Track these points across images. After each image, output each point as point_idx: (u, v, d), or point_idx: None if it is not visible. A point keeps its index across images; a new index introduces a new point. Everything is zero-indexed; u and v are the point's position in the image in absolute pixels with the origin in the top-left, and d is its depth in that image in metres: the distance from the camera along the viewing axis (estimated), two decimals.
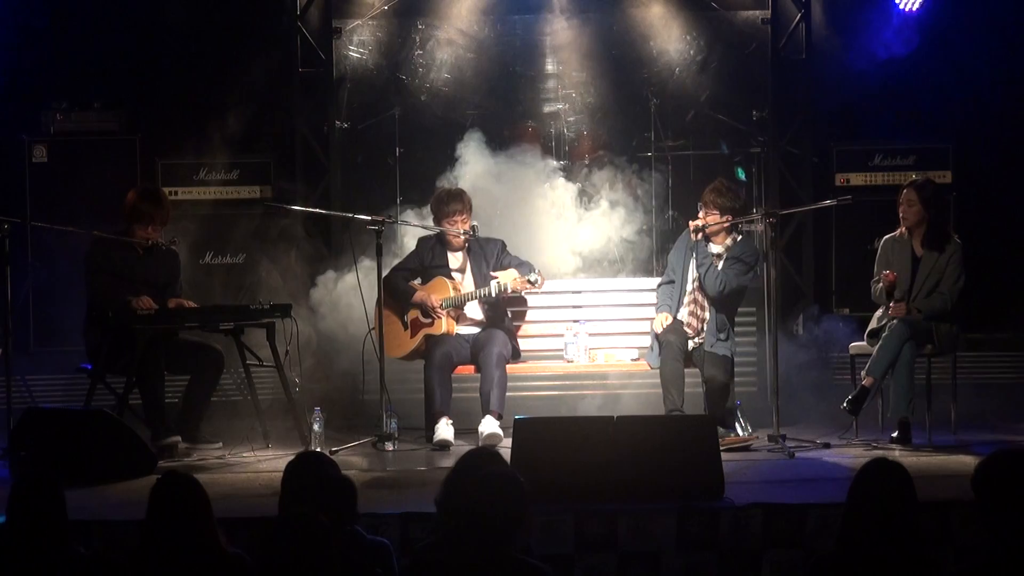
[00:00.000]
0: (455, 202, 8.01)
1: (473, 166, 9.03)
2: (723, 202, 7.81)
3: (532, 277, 7.70)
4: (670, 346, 7.64)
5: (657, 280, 8.20)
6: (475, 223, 8.01)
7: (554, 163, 9.30)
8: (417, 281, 8.11)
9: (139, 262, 7.74)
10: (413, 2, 9.94)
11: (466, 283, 8.04)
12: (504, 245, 8.12)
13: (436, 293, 7.98)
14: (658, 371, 7.75)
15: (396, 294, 8.01)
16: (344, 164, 9.77)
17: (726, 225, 7.83)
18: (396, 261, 8.33)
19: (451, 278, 8.02)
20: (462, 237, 8.00)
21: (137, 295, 7.51)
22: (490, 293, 7.79)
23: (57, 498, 4.43)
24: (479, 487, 4.06)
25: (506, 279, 7.79)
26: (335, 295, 8.58)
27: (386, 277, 7.97)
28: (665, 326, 7.79)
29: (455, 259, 8.11)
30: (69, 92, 9.65)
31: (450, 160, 9.14)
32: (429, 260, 8.10)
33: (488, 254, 8.04)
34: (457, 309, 7.96)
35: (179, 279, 7.97)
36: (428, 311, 7.91)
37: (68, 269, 8.32)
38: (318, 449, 7.48)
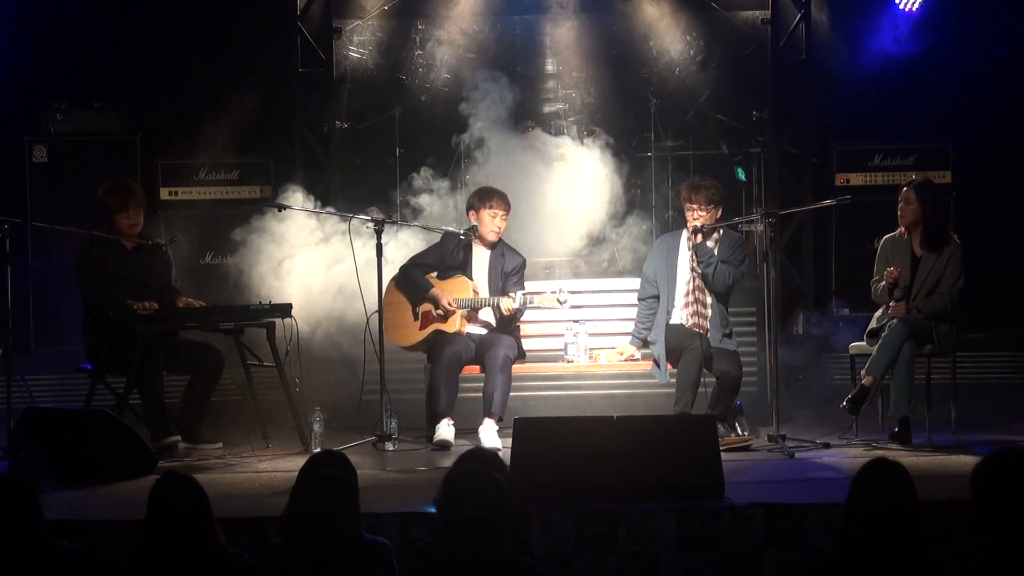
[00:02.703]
0: (494, 201, 7.99)
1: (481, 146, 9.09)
2: (710, 195, 7.82)
3: (561, 296, 7.71)
4: (695, 351, 7.61)
5: None
6: (475, 223, 8.00)
7: (555, 158, 9.29)
8: (433, 275, 8.10)
9: (129, 261, 7.71)
10: (413, 2, 9.96)
11: (482, 284, 8.03)
12: (524, 264, 8.12)
13: (455, 292, 7.96)
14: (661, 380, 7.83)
15: (412, 285, 8.01)
16: (344, 164, 9.77)
17: (719, 217, 7.84)
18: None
19: (472, 279, 8.02)
20: (461, 236, 8.00)
21: (134, 296, 7.50)
22: (515, 301, 7.76)
23: (29, 497, 4.38)
24: (454, 488, 4.09)
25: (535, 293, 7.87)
26: (335, 294, 8.57)
27: (403, 267, 8.03)
28: (619, 359, 7.99)
29: (479, 260, 8.09)
30: (69, 92, 9.66)
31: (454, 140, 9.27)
32: (452, 256, 8.09)
33: (507, 264, 8.04)
34: (473, 311, 7.95)
35: (172, 274, 7.94)
36: (442, 308, 7.89)
37: (68, 269, 8.32)
38: (318, 449, 7.50)
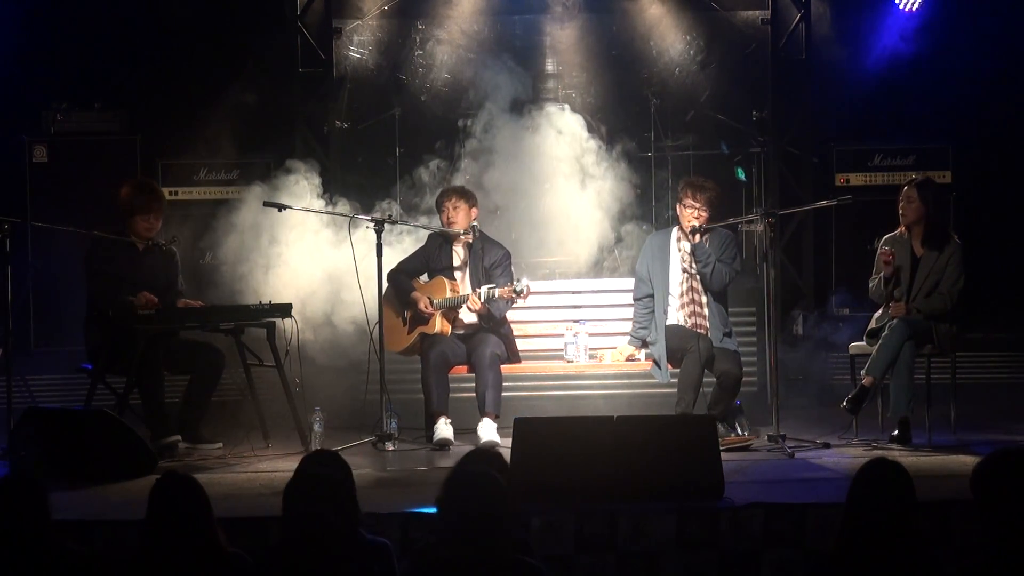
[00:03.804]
0: (448, 194, 8.08)
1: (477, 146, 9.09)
2: (711, 197, 7.82)
3: (518, 287, 7.70)
4: (696, 352, 7.61)
5: None
6: (475, 223, 8.01)
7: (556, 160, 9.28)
8: (424, 278, 8.11)
9: (139, 262, 7.73)
10: (413, 2, 9.96)
11: (464, 282, 8.04)
12: (508, 256, 8.11)
13: (435, 293, 7.98)
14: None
15: (397, 291, 8.04)
16: (344, 164, 9.77)
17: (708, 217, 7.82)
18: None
19: (452, 279, 8.03)
20: (462, 235, 8.00)
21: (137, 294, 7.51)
22: (480, 296, 7.80)
23: (39, 498, 4.38)
24: (454, 487, 4.09)
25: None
26: (335, 294, 8.57)
27: (389, 274, 8.01)
28: (621, 359, 7.97)
29: (458, 256, 8.11)
30: (69, 92, 9.66)
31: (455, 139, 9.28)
32: (436, 258, 8.11)
33: (488, 257, 8.03)
34: (453, 310, 7.95)
35: (179, 278, 7.97)
36: (419, 312, 7.92)
37: (68, 269, 8.32)
38: (317, 447, 7.50)
